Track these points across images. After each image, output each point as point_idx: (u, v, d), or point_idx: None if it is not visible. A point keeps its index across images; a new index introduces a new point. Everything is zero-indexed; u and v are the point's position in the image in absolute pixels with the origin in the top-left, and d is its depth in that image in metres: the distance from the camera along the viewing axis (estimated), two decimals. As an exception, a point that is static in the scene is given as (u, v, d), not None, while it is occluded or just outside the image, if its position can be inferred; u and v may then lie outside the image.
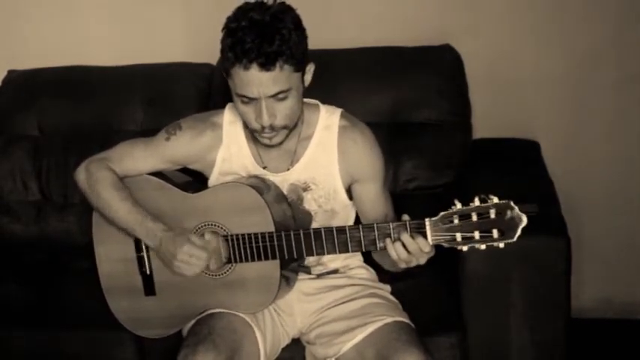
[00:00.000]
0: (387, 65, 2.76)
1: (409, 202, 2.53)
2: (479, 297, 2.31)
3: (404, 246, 1.95)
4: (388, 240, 1.97)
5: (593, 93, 2.96)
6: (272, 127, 2.01)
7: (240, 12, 1.96)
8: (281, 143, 2.07)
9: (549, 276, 2.28)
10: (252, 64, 1.92)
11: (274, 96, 1.97)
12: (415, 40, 2.81)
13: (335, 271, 2.27)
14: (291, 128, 2.06)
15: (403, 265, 2.00)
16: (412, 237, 1.94)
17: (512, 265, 2.26)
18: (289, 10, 1.98)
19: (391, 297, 2.26)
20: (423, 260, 1.98)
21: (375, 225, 1.99)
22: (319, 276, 2.26)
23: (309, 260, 2.23)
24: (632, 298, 3.12)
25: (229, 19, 1.97)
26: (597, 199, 3.04)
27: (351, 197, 2.20)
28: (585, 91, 2.97)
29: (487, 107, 2.90)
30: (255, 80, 1.94)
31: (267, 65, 1.92)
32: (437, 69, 2.75)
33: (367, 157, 2.15)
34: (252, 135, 2.10)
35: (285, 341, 2.23)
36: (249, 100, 1.99)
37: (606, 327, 3.08)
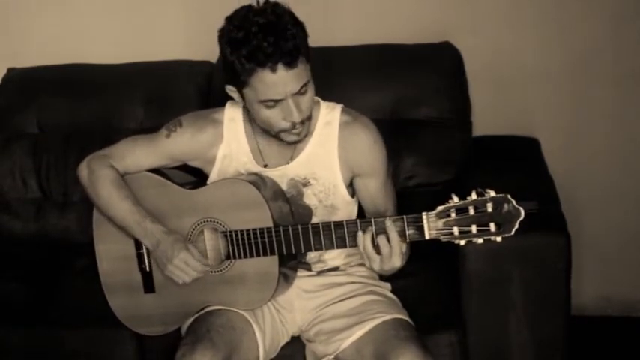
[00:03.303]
0: (387, 63, 2.76)
1: (409, 200, 2.52)
2: (479, 295, 2.30)
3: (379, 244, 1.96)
4: (360, 233, 1.97)
5: (592, 90, 2.96)
6: (302, 122, 2.03)
7: (241, 20, 1.95)
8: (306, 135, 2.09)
9: (549, 273, 2.27)
10: (277, 65, 1.93)
11: (298, 91, 1.98)
12: (415, 38, 2.81)
13: (335, 269, 2.27)
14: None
15: (376, 267, 2.00)
16: (387, 235, 1.94)
17: (512, 263, 2.25)
18: (282, 6, 1.99)
19: (391, 294, 2.26)
20: (397, 261, 1.98)
21: (372, 220, 1.98)
22: (319, 273, 2.26)
23: (310, 257, 2.24)
24: (632, 295, 3.12)
25: (230, 31, 1.96)
26: (597, 197, 3.04)
27: (353, 194, 2.21)
28: (585, 89, 2.96)
29: (487, 105, 2.90)
30: (280, 81, 1.95)
31: (291, 63, 1.93)
32: (436, 66, 2.75)
33: (369, 152, 2.16)
34: (260, 133, 2.11)
35: (285, 339, 2.23)
36: (274, 103, 1.99)
37: (606, 324, 3.08)
